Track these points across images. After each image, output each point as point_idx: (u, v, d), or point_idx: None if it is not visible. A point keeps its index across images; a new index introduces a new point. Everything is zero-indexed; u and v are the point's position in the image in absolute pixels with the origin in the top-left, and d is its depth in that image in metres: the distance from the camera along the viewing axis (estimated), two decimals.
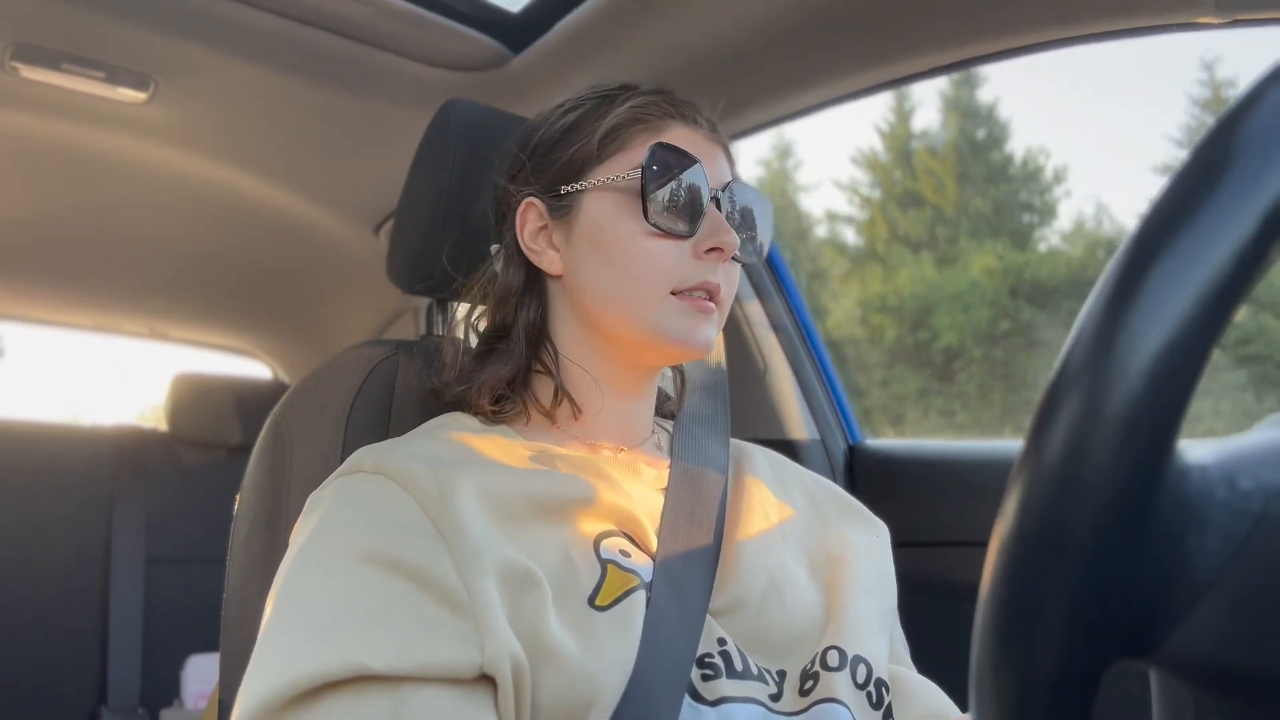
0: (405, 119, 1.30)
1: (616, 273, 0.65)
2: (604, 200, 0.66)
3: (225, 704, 0.70)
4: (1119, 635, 0.25)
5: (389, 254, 0.86)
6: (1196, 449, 0.28)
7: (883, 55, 1.02)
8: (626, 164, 0.66)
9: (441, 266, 0.77)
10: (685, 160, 0.65)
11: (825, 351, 1.33)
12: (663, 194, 0.64)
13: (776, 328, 1.30)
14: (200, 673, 1.79)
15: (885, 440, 1.33)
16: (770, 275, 1.31)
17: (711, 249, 0.65)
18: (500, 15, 1.16)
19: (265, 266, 1.95)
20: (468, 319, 0.75)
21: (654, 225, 0.64)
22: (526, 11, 1.14)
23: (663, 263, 0.64)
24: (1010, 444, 1.20)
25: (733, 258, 0.68)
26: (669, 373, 0.80)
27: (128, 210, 1.69)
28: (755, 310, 1.30)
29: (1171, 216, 0.24)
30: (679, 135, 0.68)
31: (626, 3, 1.02)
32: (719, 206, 0.67)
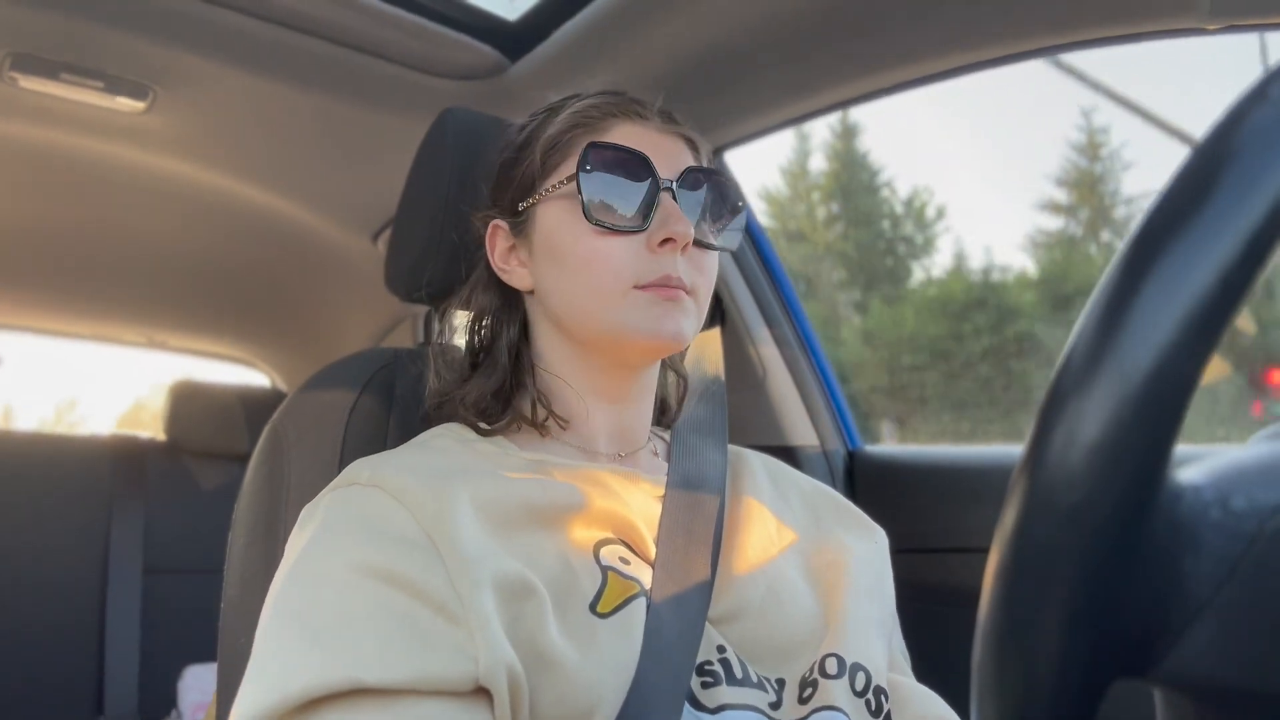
0: (403, 127, 1.30)
1: (574, 277, 0.65)
2: (553, 209, 0.67)
3: (223, 715, 0.69)
4: (1117, 655, 0.25)
5: (387, 262, 0.86)
6: (1190, 469, 0.27)
7: (880, 62, 1.02)
8: (568, 170, 0.66)
9: (439, 274, 0.77)
10: (623, 155, 0.64)
11: (825, 358, 1.33)
12: (602, 191, 0.64)
13: (776, 335, 1.30)
14: (198, 683, 1.78)
15: (885, 446, 1.32)
16: (769, 281, 1.31)
17: (665, 240, 0.63)
18: (498, 24, 1.16)
19: (263, 275, 1.95)
20: (466, 327, 0.76)
21: (597, 223, 0.63)
22: (524, 20, 1.15)
23: (616, 259, 0.64)
24: (1011, 449, 1.20)
25: (705, 246, 0.67)
26: (666, 379, 0.79)
27: (126, 219, 1.69)
28: (754, 317, 1.30)
29: (1157, 242, 0.24)
30: (624, 132, 0.67)
31: (624, 11, 1.02)
32: (675, 198, 0.65)
